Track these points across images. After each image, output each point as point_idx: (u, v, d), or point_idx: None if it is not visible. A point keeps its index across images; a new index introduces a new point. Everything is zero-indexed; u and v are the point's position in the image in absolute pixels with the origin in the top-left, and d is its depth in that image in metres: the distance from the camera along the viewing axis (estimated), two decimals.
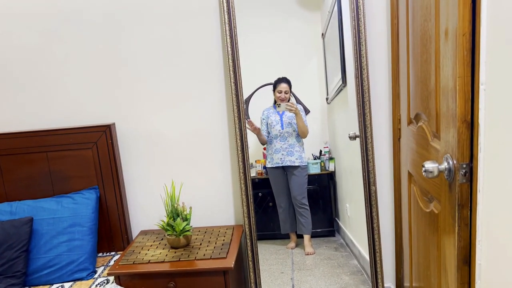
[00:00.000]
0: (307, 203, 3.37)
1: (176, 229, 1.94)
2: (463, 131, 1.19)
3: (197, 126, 2.19)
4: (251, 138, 3.33)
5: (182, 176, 2.22)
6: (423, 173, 1.35)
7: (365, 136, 2.06)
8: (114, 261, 2.08)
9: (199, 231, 2.18)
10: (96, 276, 1.97)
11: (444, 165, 1.29)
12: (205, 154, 2.21)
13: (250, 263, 2.14)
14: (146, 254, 1.95)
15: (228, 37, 2.01)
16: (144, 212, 2.27)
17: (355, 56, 2.07)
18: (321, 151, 4.41)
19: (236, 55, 2.03)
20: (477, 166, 1.17)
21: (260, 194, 3.48)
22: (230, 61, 2.03)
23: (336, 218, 4.23)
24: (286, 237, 3.36)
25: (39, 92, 2.18)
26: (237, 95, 2.05)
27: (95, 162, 2.12)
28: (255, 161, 3.38)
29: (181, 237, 1.95)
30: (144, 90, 2.16)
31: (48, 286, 1.93)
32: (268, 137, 2.98)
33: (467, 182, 1.22)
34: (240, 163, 2.09)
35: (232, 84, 2.04)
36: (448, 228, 1.36)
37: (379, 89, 2.10)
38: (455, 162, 1.23)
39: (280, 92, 2.91)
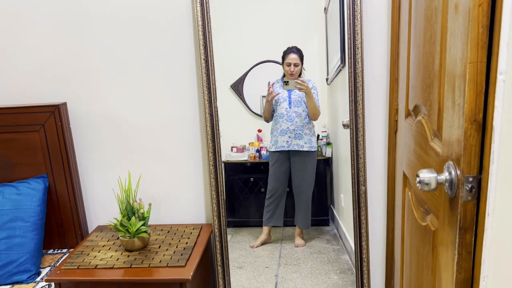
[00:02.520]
0: (311, 196, 3.07)
1: (130, 230, 1.67)
2: (471, 134, 0.89)
3: (162, 110, 1.89)
4: (245, 119, 3.03)
5: (144, 167, 1.94)
6: (417, 185, 1.06)
7: (355, 128, 1.75)
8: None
9: (161, 230, 1.91)
10: (38, 279, 1.72)
11: (445, 175, 0.99)
12: (173, 143, 1.92)
13: (219, 268, 1.87)
14: (95, 256, 1.69)
15: (198, 4, 1.69)
16: (102, 205, 2.00)
17: (349, 33, 1.75)
18: (318, 135, 4.11)
19: (207, 26, 1.71)
20: (487, 181, 0.87)
21: (251, 179, 3.21)
22: (200, 33, 1.71)
23: (331, 206, 3.98)
24: (277, 226, 3.10)
25: None
26: (207, 74, 1.74)
27: (43, 147, 1.84)
28: (249, 144, 3.10)
29: (135, 239, 1.68)
30: (102, 68, 1.86)
31: None
32: (273, 115, 2.67)
33: (473, 201, 0.93)
34: (210, 155, 1.80)
35: (202, 61, 1.73)
36: (446, 254, 1.07)
37: (376, 73, 1.79)
38: (458, 173, 0.94)
39: (289, 64, 2.57)
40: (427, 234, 1.27)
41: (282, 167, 2.86)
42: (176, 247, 1.73)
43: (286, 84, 2.50)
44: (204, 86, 1.76)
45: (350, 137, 1.79)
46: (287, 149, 2.68)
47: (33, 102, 1.88)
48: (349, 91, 1.74)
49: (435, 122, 1.15)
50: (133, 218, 1.69)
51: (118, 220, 1.70)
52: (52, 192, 1.89)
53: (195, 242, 1.77)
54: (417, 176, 1.04)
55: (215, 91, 1.78)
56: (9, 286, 1.69)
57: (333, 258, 3.16)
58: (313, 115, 2.75)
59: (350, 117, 1.77)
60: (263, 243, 3.07)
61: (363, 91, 1.72)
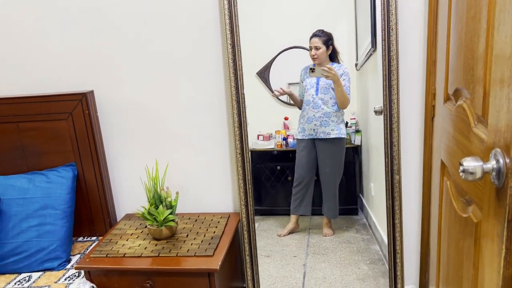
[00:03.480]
0: (338, 185, 3.00)
1: (158, 218, 1.65)
2: None
3: (189, 98, 1.85)
4: (271, 107, 2.97)
5: (171, 155, 1.91)
6: (461, 174, 0.98)
7: (390, 114, 1.67)
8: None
9: (189, 218, 1.89)
10: (68, 266, 1.73)
11: (492, 164, 0.91)
12: (199, 131, 1.89)
13: (247, 257, 1.84)
14: (123, 245, 1.68)
15: None
16: (130, 193, 1.99)
17: (382, 14, 1.65)
18: (347, 122, 4.02)
19: (234, 10, 1.66)
20: None
21: (278, 167, 3.15)
22: (227, 17, 1.66)
23: (360, 195, 3.89)
24: (305, 215, 3.04)
25: (10, 55, 1.89)
26: (234, 60, 1.69)
27: (71, 135, 1.84)
28: (275, 132, 3.04)
29: (163, 227, 1.67)
30: (128, 55, 1.83)
31: (15, 275, 1.71)
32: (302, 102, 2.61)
33: None
34: (237, 142, 1.76)
35: (229, 46, 1.68)
36: (491, 247, 1.00)
37: (411, 55, 1.69)
38: (507, 161, 0.86)
39: (311, 48, 2.48)
40: (468, 226, 1.19)
41: (309, 155, 2.78)
42: (204, 236, 1.70)
43: (312, 72, 2.40)
44: (230, 73, 1.71)
45: (384, 124, 1.71)
46: (314, 137, 2.59)
47: (61, 91, 1.88)
48: (383, 75, 1.66)
49: (479, 106, 1.07)
50: (160, 206, 1.67)
51: (145, 209, 1.69)
52: (81, 180, 1.90)
53: (223, 231, 1.74)
54: (461, 164, 0.96)
55: (242, 77, 1.73)
56: (40, 272, 1.71)
57: (363, 248, 3.08)
58: (341, 103, 2.66)
59: (383, 103, 1.69)
60: (290, 232, 3.02)
61: (397, 75, 1.63)
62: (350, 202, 3.87)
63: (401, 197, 1.71)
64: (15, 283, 1.65)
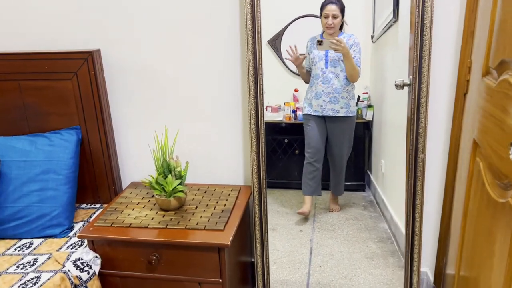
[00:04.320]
0: (346, 164, 2.89)
1: (166, 188, 1.56)
2: None
3: (203, 62, 1.73)
4: (281, 77, 2.84)
5: (181, 123, 1.81)
6: (511, 156, 0.87)
7: (418, 87, 1.55)
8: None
9: (198, 189, 1.80)
10: (71, 234, 1.66)
11: None
12: (212, 99, 1.77)
13: (257, 232, 1.76)
14: (129, 214, 1.60)
15: None
16: (137, 160, 1.90)
17: None
18: (359, 96, 3.88)
19: None
20: None
21: (286, 140, 3.06)
22: None
23: (368, 171, 3.82)
24: (318, 195, 2.97)
25: (11, 9, 1.76)
26: (252, 21, 1.56)
27: (76, 97, 1.73)
28: (284, 104, 2.92)
29: (171, 198, 1.58)
30: (139, 14, 1.70)
31: (15, 240, 1.64)
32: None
33: None
34: (252, 112, 1.65)
35: (247, 6, 1.54)
36: None
37: (445, 24, 1.55)
38: None
39: (327, 16, 2.30)
40: (505, 213, 1.09)
41: (318, 130, 2.65)
42: (214, 209, 1.62)
43: (319, 44, 2.22)
44: (248, 35, 1.58)
45: (411, 99, 1.59)
46: (320, 114, 2.45)
47: (66, 48, 1.76)
48: (413, 45, 1.53)
49: None
50: (169, 176, 1.58)
51: (153, 178, 1.60)
52: (85, 145, 1.80)
53: (234, 205, 1.65)
54: None
55: (261, 40, 1.60)
56: (41, 239, 1.63)
57: (371, 225, 3.02)
58: (351, 76, 2.50)
59: (412, 75, 1.56)
60: (307, 214, 2.94)
61: (430, 46, 1.50)
62: (358, 178, 3.80)
63: (424, 177, 1.61)
64: (15, 249, 1.58)
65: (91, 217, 1.76)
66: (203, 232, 1.47)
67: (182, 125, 1.81)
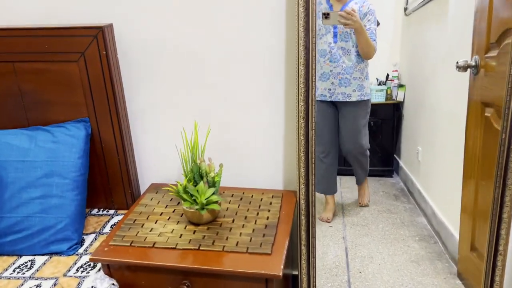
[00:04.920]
0: (368, 154, 2.53)
1: (198, 200, 1.25)
2: None
3: (238, 38, 1.40)
4: None
5: (210, 115, 1.49)
6: None
7: None
8: (111, 227, 1.46)
9: (232, 195, 1.49)
10: (81, 250, 1.37)
11: None
12: (247, 85, 1.45)
13: (303, 247, 1.46)
14: (151, 229, 1.30)
15: None
16: (158, 158, 1.59)
17: None
18: (388, 75, 3.52)
19: None
20: None
21: None
22: None
23: (396, 156, 3.51)
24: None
25: None
26: None
27: (84, 82, 1.41)
28: None
29: (204, 211, 1.28)
30: None
31: (14, 258, 1.35)
32: None
33: None
34: (301, 104, 1.33)
35: None
36: None
37: None
38: None
39: None
40: None
41: (329, 119, 2.22)
42: (255, 223, 1.31)
43: (325, 18, 1.76)
44: (299, 5, 1.25)
45: (508, 84, 1.26)
46: (327, 99, 2.08)
47: (70, 23, 1.43)
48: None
49: None
50: (201, 183, 1.27)
51: (180, 184, 1.29)
52: (96, 141, 1.49)
53: (278, 218, 1.35)
54: None
55: (315, 12, 1.26)
56: (45, 256, 1.35)
57: (407, 220, 2.73)
58: (365, 53, 2.08)
59: None
60: (330, 219, 2.64)
61: None
62: (385, 163, 3.49)
63: None
64: (13, 270, 1.29)
65: (104, 227, 1.47)
66: (245, 256, 1.17)
67: (210, 117, 1.49)
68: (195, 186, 1.29)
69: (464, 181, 1.93)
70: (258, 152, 1.53)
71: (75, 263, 1.30)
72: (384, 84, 3.36)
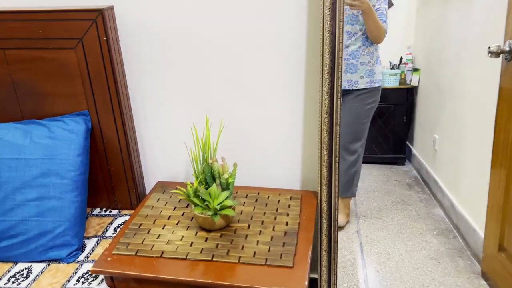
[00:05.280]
0: (359, 158, 2.35)
1: (211, 205, 1.13)
2: None
3: (253, 22, 1.25)
4: None
5: (221, 108, 1.35)
6: None
7: None
8: (115, 230, 1.34)
9: (246, 196, 1.36)
10: (81, 257, 1.25)
11: None
12: (263, 76, 1.30)
13: (324, 253, 1.34)
14: (159, 236, 1.18)
15: None
16: (165, 154, 1.46)
17: None
18: (401, 58, 3.36)
19: None
20: None
21: None
22: None
23: (408, 143, 3.38)
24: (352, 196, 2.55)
25: None
26: None
27: (82, 71, 1.27)
28: None
29: (217, 217, 1.15)
30: None
31: (10, 265, 1.24)
32: None
33: None
34: (325, 96, 1.19)
35: None
36: None
37: None
38: None
39: None
40: None
41: None
42: (273, 229, 1.19)
43: None
44: None
45: None
46: None
47: (67, 5, 1.28)
48: None
49: None
50: (213, 186, 1.14)
51: (191, 186, 1.17)
52: (97, 136, 1.36)
53: (299, 223, 1.22)
54: None
55: None
56: (44, 264, 1.24)
57: (423, 212, 2.62)
58: (375, 37, 1.93)
59: None
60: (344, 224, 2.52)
61: None
62: (397, 151, 3.38)
63: None
64: (8, 279, 1.18)
65: (106, 230, 1.35)
66: (264, 269, 1.05)
67: (222, 111, 1.35)
68: (207, 188, 1.16)
69: (492, 175, 1.79)
70: (274, 148, 1.40)
71: (76, 272, 1.19)
72: (398, 67, 3.19)
